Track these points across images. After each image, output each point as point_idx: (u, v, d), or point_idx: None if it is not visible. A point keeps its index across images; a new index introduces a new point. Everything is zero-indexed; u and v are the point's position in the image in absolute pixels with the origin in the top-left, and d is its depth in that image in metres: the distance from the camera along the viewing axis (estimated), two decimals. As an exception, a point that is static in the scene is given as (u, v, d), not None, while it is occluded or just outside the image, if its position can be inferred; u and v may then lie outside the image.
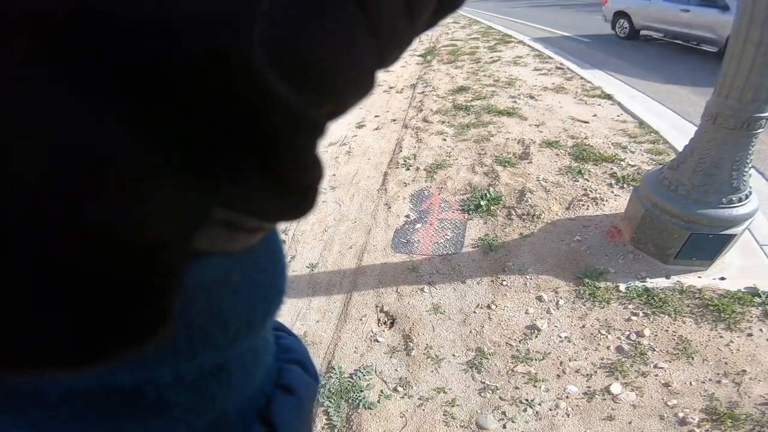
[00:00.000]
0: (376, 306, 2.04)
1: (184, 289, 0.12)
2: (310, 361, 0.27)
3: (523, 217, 2.51)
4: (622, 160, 2.98)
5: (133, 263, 0.10)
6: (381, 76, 6.34)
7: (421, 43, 8.55)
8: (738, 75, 1.62)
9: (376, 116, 4.51)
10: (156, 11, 0.08)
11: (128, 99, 0.09)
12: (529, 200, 2.63)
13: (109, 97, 0.08)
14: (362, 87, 0.14)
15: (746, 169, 1.79)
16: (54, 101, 0.08)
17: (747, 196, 1.84)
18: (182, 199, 0.10)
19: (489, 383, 1.64)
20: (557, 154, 3.16)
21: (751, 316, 1.78)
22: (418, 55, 7.19)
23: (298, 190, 0.14)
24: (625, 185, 2.67)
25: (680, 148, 2.98)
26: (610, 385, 1.59)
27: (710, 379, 1.58)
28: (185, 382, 0.16)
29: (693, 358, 1.65)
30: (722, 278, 1.98)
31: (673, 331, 1.76)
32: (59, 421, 0.14)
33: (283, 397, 0.22)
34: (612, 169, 2.87)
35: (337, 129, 4.16)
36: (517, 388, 1.62)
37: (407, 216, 2.69)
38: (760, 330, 1.72)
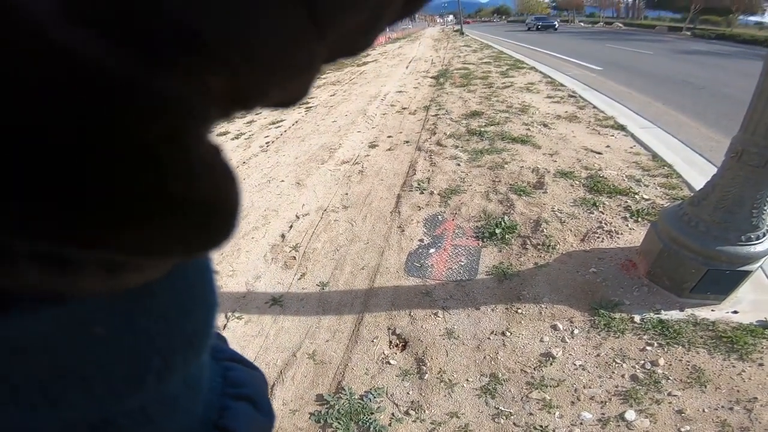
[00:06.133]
0: (388, 328, 2.03)
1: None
2: (264, 397, 0.24)
3: (539, 247, 2.51)
4: (636, 193, 2.99)
5: None
6: (394, 96, 6.40)
7: (434, 65, 8.69)
8: (767, 111, 1.58)
9: (389, 137, 4.56)
10: None
11: None
12: (545, 230, 2.63)
13: None
14: (283, 63, 0.10)
15: (766, 207, 1.79)
16: None
17: (765, 234, 1.84)
18: None
19: (503, 409, 1.62)
20: (572, 185, 3.18)
21: (763, 347, 1.78)
22: (431, 77, 7.31)
23: (165, 209, 0.10)
24: (639, 219, 2.67)
25: (693, 183, 3.01)
26: (625, 411, 1.57)
27: (723, 407, 1.57)
28: None
29: (706, 387, 1.64)
30: (735, 312, 1.98)
31: (687, 361, 1.75)
32: None
33: None
34: (626, 202, 2.88)
35: (350, 147, 4.20)
36: (531, 414, 1.60)
37: (421, 240, 2.69)
38: (772, 360, 1.72)
